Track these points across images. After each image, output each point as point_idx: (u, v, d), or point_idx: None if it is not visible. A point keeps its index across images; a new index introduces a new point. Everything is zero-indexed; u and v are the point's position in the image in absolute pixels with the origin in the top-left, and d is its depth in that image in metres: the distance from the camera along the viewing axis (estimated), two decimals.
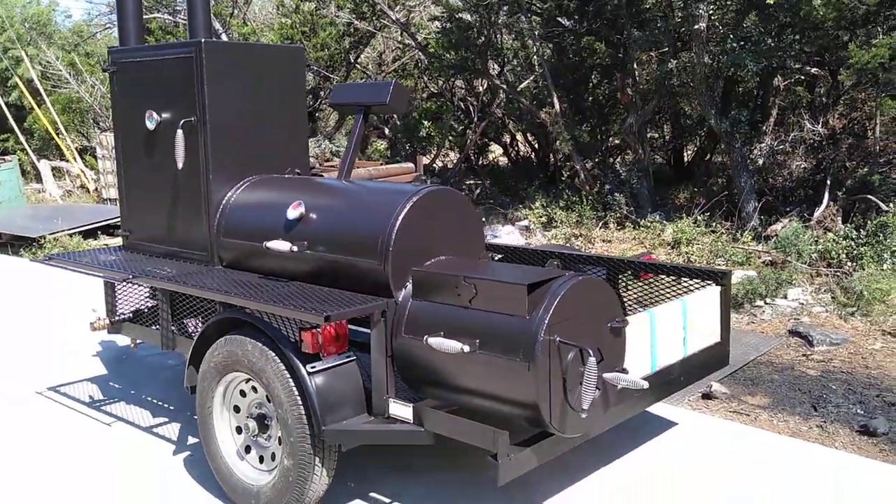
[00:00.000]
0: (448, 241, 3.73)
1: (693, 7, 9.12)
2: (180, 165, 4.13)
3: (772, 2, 8.26)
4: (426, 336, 3.25)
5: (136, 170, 4.63)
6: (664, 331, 3.82)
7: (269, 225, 3.95)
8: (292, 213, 3.83)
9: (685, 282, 4.36)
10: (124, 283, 4.66)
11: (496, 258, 4.77)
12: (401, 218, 3.50)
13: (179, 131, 4.12)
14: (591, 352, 3.02)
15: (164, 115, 4.34)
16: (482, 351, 3.12)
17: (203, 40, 4.12)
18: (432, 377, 3.37)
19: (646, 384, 3.15)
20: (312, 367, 3.42)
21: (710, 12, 9.17)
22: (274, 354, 3.50)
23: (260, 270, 4.08)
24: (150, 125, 4.38)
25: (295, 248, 3.74)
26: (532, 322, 3.03)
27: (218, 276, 4.03)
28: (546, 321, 3.00)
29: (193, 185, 4.27)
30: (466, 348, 3.10)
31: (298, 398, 3.43)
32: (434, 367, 3.33)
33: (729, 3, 9.57)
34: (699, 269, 4.32)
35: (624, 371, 3.32)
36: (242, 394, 3.82)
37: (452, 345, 3.13)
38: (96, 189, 15.96)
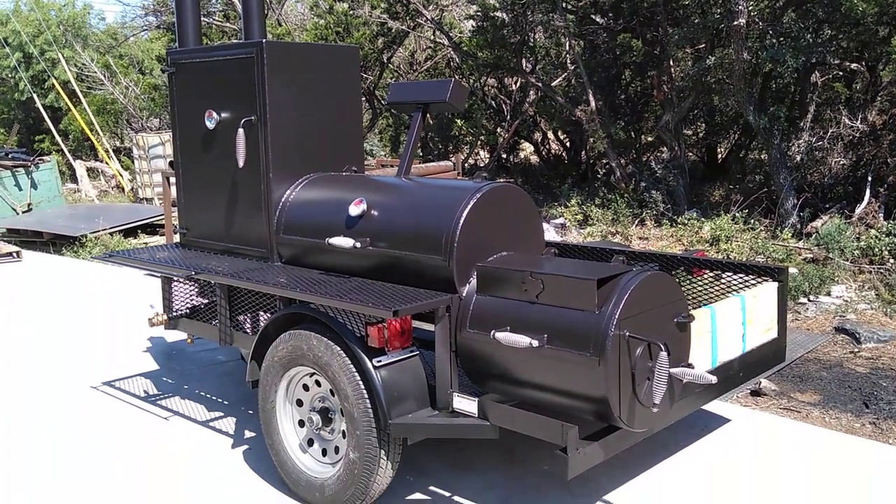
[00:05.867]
0: (509, 237, 3.76)
1: (733, 3, 9.07)
2: (241, 164, 4.19)
3: None
4: (493, 331, 3.28)
5: (194, 168, 4.71)
6: (724, 326, 3.82)
7: (331, 222, 4.00)
8: (354, 209, 3.87)
9: (740, 278, 4.35)
10: (182, 280, 4.74)
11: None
12: (465, 214, 3.54)
13: (240, 130, 4.18)
14: (661, 346, 3.04)
15: (224, 115, 4.41)
16: (550, 346, 3.14)
17: (264, 41, 4.17)
18: (497, 371, 3.40)
19: (714, 379, 3.16)
20: (378, 362, 3.47)
21: (750, 8, 9.10)
22: (340, 349, 3.55)
23: (320, 267, 4.13)
24: (210, 125, 4.45)
25: (358, 245, 3.79)
26: (602, 317, 3.05)
27: (280, 273, 4.09)
28: (616, 316, 3.02)
29: (253, 183, 4.34)
30: (535, 343, 3.13)
31: (364, 392, 3.48)
32: (500, 362, 3.36)
33: None
34: (755, 266, 4.31)
35: (689, 366, 3.33)
36: (305, 388, 3.87)
37: (521, 339, 3.16)
38: (132, 189, 16.18)
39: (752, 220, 9.57)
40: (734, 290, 4.29)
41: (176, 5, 4.69)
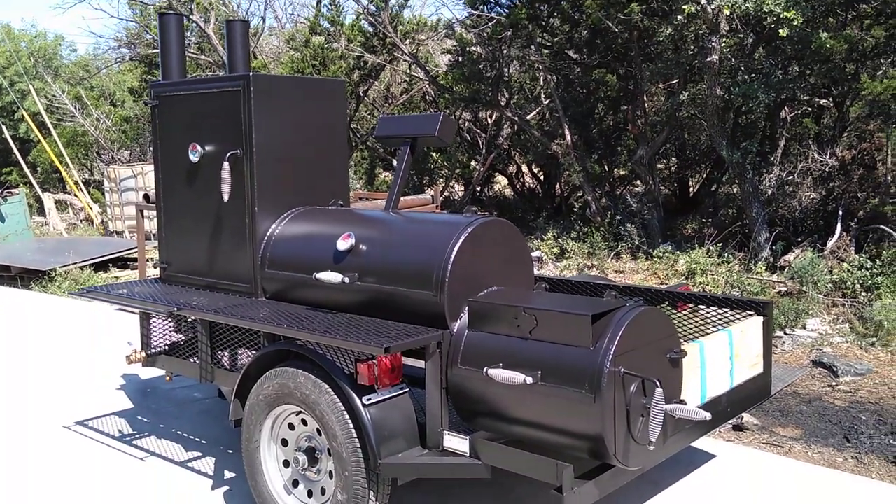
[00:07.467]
0: (500, 271, 3.74)
1: (705, 40, 9.25)
2: (226, 197, 4.13)
3: (784, 35, 8.39)
4: (486, 367, 3.24)
5: (176, 202, 4.63)
6: (713, 362, 3.82)
7: (318, 256, 3.95)
8: (342, 244, 3.83)
9: (724, 312, 4.36)
10: (163, 317, 4.64)
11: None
12: (456, 249, 3.51)
13: (226, 164, 4.13)
14: (656, 383, 3.02)
15: (209, 148, 4.36)
16: (544, 382, 3.11)
17: (251, 74, 4.15)
18: (489, 409, 3.35)
19: (708, 415, 3.14)
20: (368, 399, 3.41)
21: (722, 45, 9.29)
22: (328, 386, 3.48)
23: (306, 302, 4.07)
24: (194, 158, 4.39)
25: (346, 280, 3.74)
26: (597, 353, 3.03)
27: (266, 308, 4.02)
28: (612, 352, 3.00)
29: (237, 217, 4.28)
30: (529, 380, 3.09)
31: (353, 431, 3.41)
32: (492, 399, 3.31)
33: (741, 35, 9.70)
34: (741, 300, 4.33)
35: (682, 402, 3.32)
36: (291, 427, 3.78)
37: (514, 376, 3.12)
38: (102, 221, 15.95)
39: (726, 254, 9.67)
40: (720, 325, 4.30)
41: (160, 38, 4.66)
